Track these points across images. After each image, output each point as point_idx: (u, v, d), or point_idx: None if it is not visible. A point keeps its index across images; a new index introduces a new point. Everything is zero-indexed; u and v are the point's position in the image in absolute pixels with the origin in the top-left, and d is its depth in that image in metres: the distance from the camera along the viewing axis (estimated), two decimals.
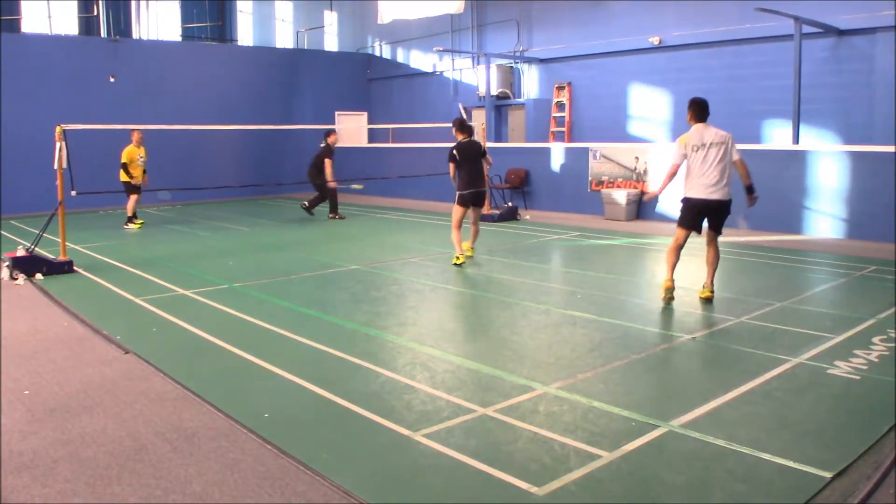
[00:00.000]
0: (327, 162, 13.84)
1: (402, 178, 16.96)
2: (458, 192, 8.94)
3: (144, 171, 13.13)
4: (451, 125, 9.36)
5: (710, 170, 6.64)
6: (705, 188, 6.68)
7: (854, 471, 3.49)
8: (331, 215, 14.17)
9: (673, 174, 6.86)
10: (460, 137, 9.01)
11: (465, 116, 8.73)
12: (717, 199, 6.68)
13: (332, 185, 14.01)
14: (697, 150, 6.70)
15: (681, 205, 6.95)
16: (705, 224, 6.88)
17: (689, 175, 6.80)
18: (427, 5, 18.40)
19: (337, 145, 14.30)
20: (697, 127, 6.79)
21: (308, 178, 14.25)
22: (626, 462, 3.60)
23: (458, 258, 8.89)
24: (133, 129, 13.04)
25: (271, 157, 19.74)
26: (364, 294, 7.53)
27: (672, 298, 6.85)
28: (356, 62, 22.54)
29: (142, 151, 13.04)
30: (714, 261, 6.98)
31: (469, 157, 8.91)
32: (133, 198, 12.99)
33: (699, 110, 6.85)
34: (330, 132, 14.36)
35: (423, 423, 4.08)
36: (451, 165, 8.94)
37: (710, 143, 6.66)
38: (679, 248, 6.97)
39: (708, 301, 6.90)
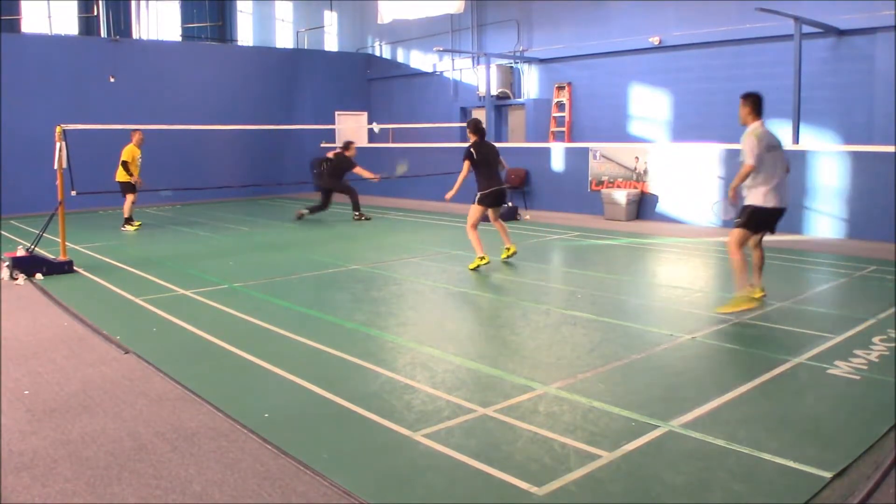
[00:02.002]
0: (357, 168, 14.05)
1: (403, 178, 16.95)
2: (479, 193, 8.72)
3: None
4: (464, 125, 9.20)
5: (779, 174, 6.28)
6: (779, 196, 6.29)
7: (854, 471, 3.49)
8: (356, 215, 14.17)
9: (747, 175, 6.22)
10: (474, 139, 8.81)
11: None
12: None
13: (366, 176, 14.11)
14: (771, 151, 6.22)
15: (747, 212, 6.37)
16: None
17: (759, 178, 6.24)
18: (427, 5, 18.41)
19: (338, 145, 14.35)
20: (762, 124, 6.32)
21: (323, 184, 14.15)
22: (626, 462, 3.60)
23: (481, 259, 8.57)
24: (134, 130, 12.96)
25: (271, 157, 19.75)
26: (364, 294, 7.53)
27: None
28: (356, 62, 22.54)
29: (139, 153, 12.97)
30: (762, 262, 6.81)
31: (486, 157, 8.72)
32: (130, 198, 12.88)
33: (760, 104, 6.33)
34: (349, 144, 14.38)
35: (423, 423, 4.08)
36: (466, 164, 8.66)
37: (777, 146, 6.29)
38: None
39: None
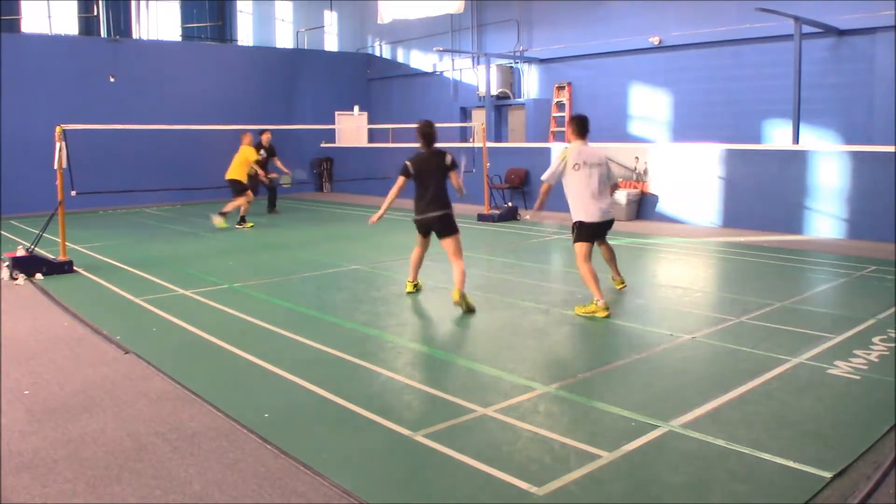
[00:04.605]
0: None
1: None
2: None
3: (265, 166, 13.44)
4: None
5: (592, 190, 6.63)
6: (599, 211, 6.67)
7: (854, 471, 3.49)
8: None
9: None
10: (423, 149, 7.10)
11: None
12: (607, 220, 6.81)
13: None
14: (581, 169, 6.58)
15: (574, 227, 6.80)
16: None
17: (570, 196, 6.72)
18: (427, 5, 18.40)
19: (338, 145, 14.34)
20: (581, 143, 6.72)
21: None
22: (626, 462, 3.60)
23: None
24: (245, 131, 13.31)
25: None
26: (364, 294, 7.53)
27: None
28: (356, 62, 22.54)
29: (255, 154, 13.16)
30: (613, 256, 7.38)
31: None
32: (239, 200, 12.88)
33: (583, 126, 6.73)
34: (263, 131, 14.79)
35: (423, 423, 4.08)
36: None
37: (594, 164, 6.63)
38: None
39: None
